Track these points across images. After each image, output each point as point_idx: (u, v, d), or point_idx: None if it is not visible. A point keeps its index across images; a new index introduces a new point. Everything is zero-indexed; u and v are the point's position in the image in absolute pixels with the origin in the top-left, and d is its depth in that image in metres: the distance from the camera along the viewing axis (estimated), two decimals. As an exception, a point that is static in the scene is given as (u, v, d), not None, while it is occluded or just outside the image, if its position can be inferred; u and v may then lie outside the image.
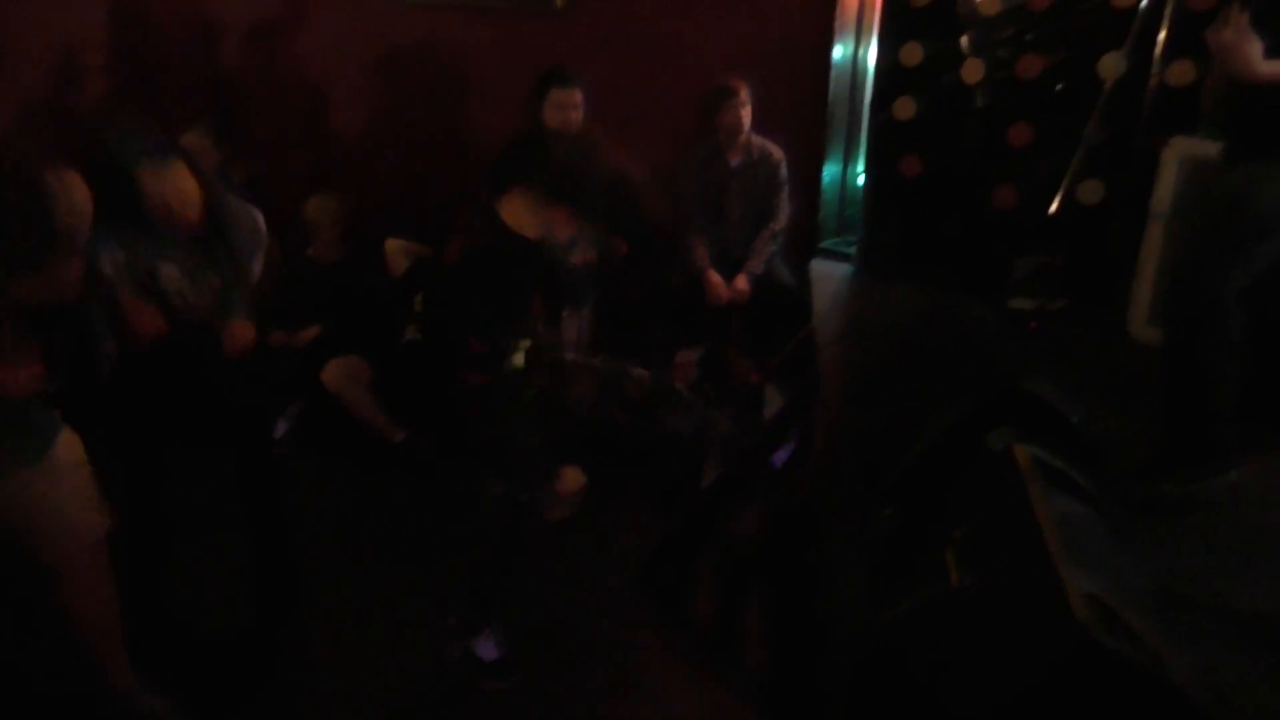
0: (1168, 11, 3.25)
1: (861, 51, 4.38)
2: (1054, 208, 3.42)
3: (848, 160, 4.52)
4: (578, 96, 3.70)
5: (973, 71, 3.90)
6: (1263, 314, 2.42)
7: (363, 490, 3.61)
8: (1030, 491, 1.92)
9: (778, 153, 4.06)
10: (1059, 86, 3.78)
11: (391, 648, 2.75)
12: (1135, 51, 3.30)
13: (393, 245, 3.92)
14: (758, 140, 4.04)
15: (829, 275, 4.21)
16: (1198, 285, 2.35)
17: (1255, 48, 2.11)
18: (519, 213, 2.41)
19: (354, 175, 4.71)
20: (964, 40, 3.94)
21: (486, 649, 2.62)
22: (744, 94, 3.88)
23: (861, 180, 4.43)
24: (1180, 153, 3.33)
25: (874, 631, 1.94)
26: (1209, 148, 3.13)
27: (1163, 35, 3.22)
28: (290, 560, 2.93)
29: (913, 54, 4.00)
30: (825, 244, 4.49)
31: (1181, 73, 3.45)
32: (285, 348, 3.90)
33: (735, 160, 4.02)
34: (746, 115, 3.91)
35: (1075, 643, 1.55)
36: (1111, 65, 3.42)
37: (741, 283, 3.96)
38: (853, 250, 4.37)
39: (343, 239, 4.19)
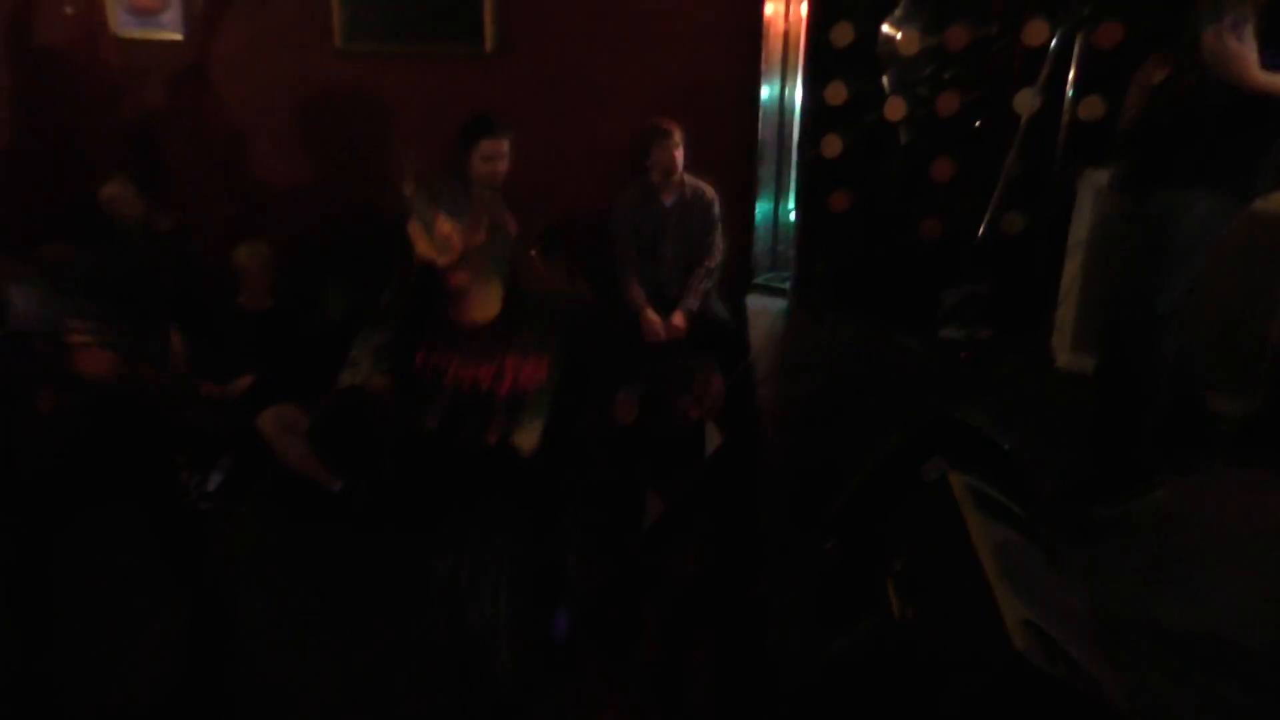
0: (1076, 50, 3.37)
1: (788, 91, 4.47)
2: (978, 239, 3.52)
3: (779, 197, 4.60)
4: (504, 146, 3.71)
5: (895, 109, 4.01)
6: (1186, 334, 2.50)
7: (300, 542, 3.52)
8: (966, 520, 1.95)
9: (710, 191, 4.11)
10: (977, 122, 3.90)
11: (337, 710, 2.67)
12: (1047, 88, 3.42)
13: (327, 291, 3.88)
14: (690, 180, 4.08)
15: (764, 310, 4.26)
16: (1128, 310, 2.41)
17: (1251, 55, 2.15)
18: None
19: (284, 222, 4.65)
20: (885, 79, 4.05)
21: None
22: (676, 135, 3.93)
23: (793, 216, 4.50)
24: (1094, 184, 3.45)
25: (819, 667, 1.94)
26: (1122, 175, 3.25)
27: (1072, 73, 3.33)
28: (222, 619, 2.84)
29: (837, 93, 4.10)
30: (759, 280, 4.55)
31: (1091, 107, 3.59)
32: (216, 399, 3.81)
33: (669, 200, 4.06)
34: (679, 156, 3.95)
35: (1013, 668, 1.57)
36: (1026, 101, 3.54)
37: (678, 320, 3.98)
38: (786, 285, 4.43)
39: (273, 286, 4.12)
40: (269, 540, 3.54)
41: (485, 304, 2.22)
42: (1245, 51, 2.13)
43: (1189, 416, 2.75)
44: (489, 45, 4.44)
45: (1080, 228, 3.48)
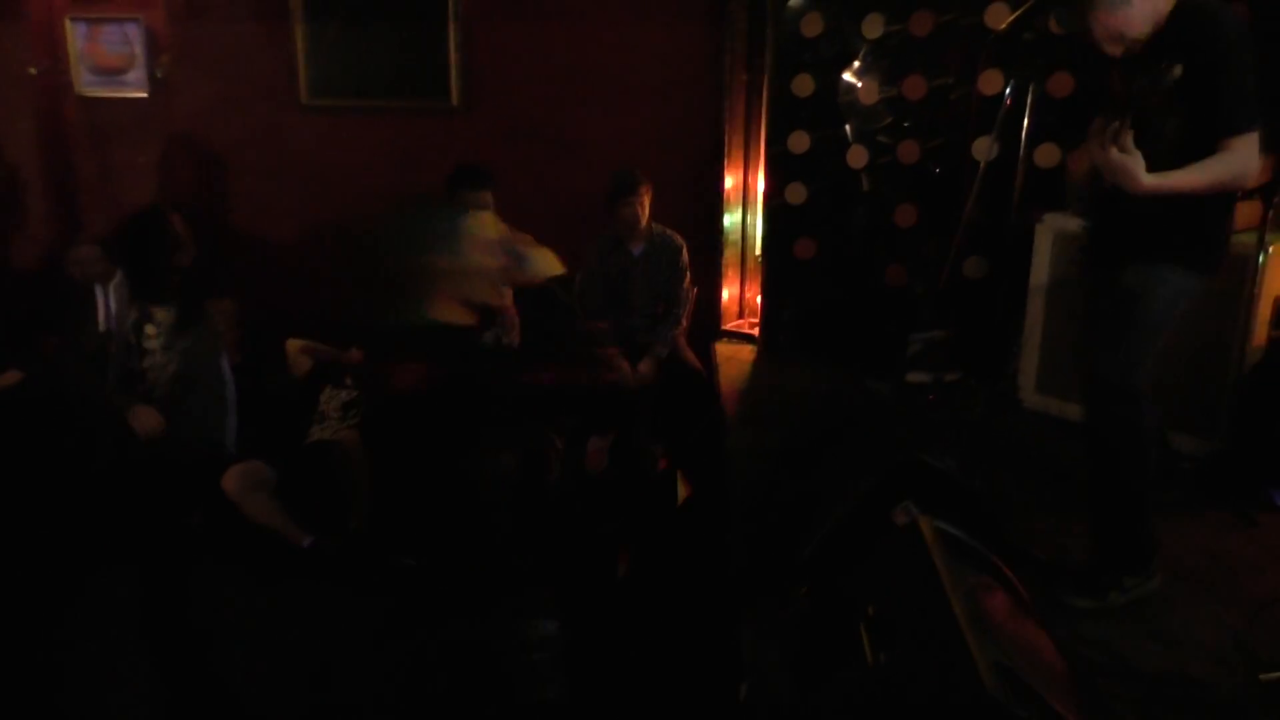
0: (1029, 99, 3.46)
1: (752, 138, 4.54)
2: (941, 284, 3.57)
3: (746, 244, 4.65)
4: (486, 196, 3.74)
5: (857, 158, 4.09)
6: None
7: (268, 600, 3.46)
8: (936, 564, 1.95)
9: (678, 239, 4.15)
10: (938, 169, 3.98)
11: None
12: (1004, 136, 3.50)
13: (293, 345, 3.85)
14: (658, 228, 4.12)
15: (733, 357, 4.28)
16: (1106, 379, 2.33)
17: (1140, 163, 2.14)
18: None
19: (251, 278, 4.64)
20: (847, 128, 4.12)
21: None
22: (641, 188, 3.97)
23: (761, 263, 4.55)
24: (1052, 228, 3.52)
25: (797, 718, 1.92)
26: (1076, 224, 3.32)
27: (1026, 121, 3.42)
28: (213, 683, 2.77)
29: (800, 142, 4.17)
30: (728, 326, 4.58)
31: (1047, 155, 3.68)
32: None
33: (637, 248, 4.09)
34: (645, 207, 4.00)
35: (986, 712, 1.57)
36: (984, 149, 3.62)
37: (646, 367, 3.99)
38: (755, 331, 4.46)
39: (240, 342, 4.09)
40: (236, 598, 3.47)
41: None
42: (1127, 162, 2.13)
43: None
44: (455, 100, 4.49)
45: (1040, 271, 3.54)
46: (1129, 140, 2.14)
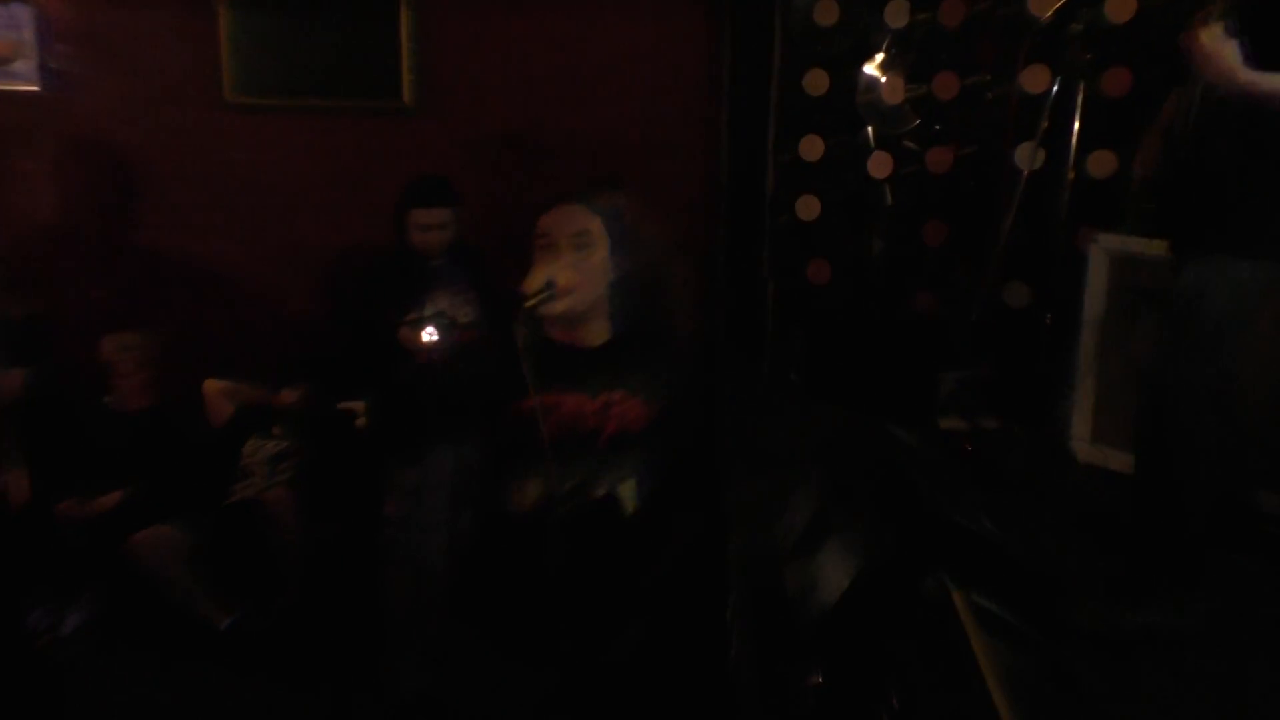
0: (1080, 99, 3.52)
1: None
2: (977, 314, 3.60)
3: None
4: (443, 215, 3.77)
5: (880, 166, 4.14)
6: (1229, 424, 2.54)
7: (174, 695, 3.44)
8: (972, 644, 1.96)
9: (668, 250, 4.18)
10: (973, 180, 4.03)
11: None
12: (1050, 141, 3.56)
13: (212, 387, 3.85)
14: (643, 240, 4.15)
15: (736, 395, 4.29)
16: (1159, 399, 2.44)
17: (1234, 54, 2.24)
18: None
19: (165, 307, 4.64)
20: (869, 132, 4.18)
21: None
22: (626, 194, 4.01)
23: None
24: (1108, 249, 3.56)
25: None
26: (1138, 244, 3.36)
27: (1076, 124, 3.47)
28: None
29: (814, 148, 4.22)
30: (731, 355, 4.60)
31: (1101, 163, 3.73)
32: (77, 519, 3.74)
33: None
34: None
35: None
36: (1026, 156, 3.67)
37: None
38: (760, 367, 4.49)
39: (150, 383, 4.08)
40: (139, 694, 3.44)
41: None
42: (1224, 50, 2.23)
43: (1235, 517, 2.80)
44: (407, 98, 4.53)
45: (1094, 300, 3.58)
46: (1220, 29, 2.22)
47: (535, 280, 2.23)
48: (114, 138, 4.68)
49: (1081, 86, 3.56)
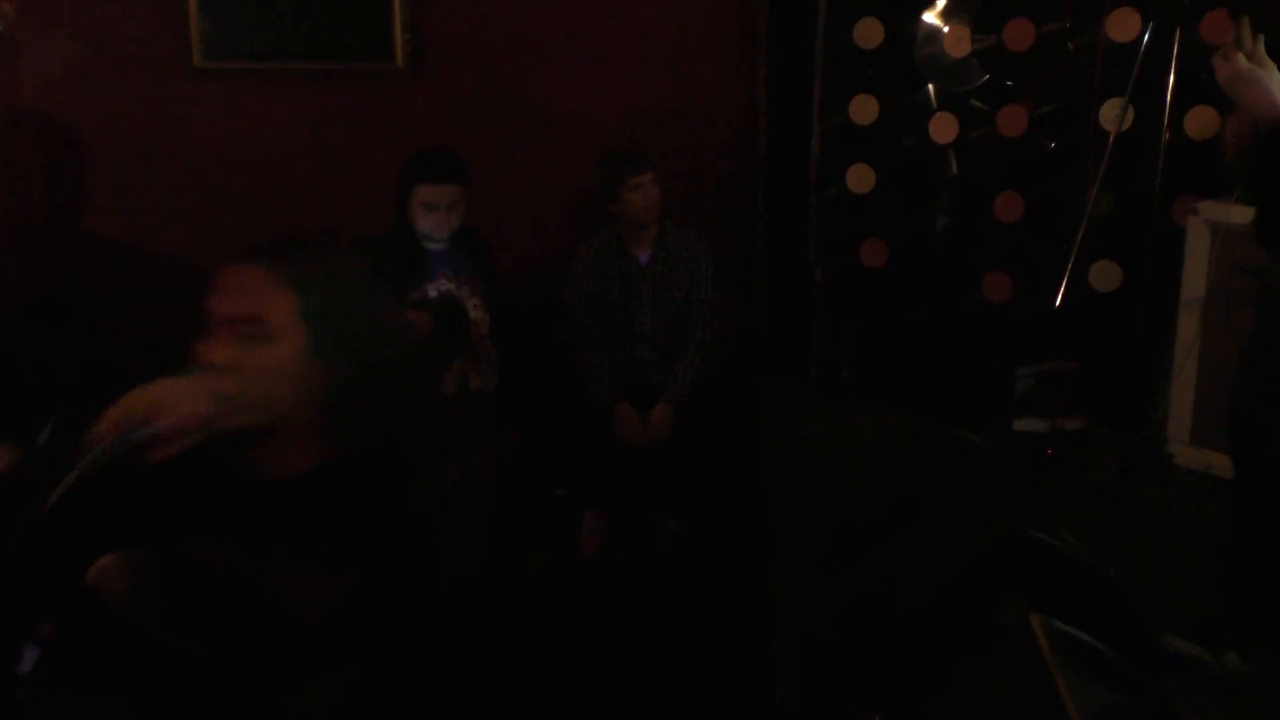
0: (1175, 48, 3.49)
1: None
2: (1059, 299, 3.58)
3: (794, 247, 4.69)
4: (453, 193, 3.79)
5: (944, 130, 4.12)
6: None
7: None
8: (1055, 680, 1.95)
9: (702, 243, 4.18)
10: (1052, 144, 4.01)
11: None
12: (1141, 98, 3.53)
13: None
14: (674, 228, 4.16)
15: (779, 399, 4.29)
16: (1263, 405, 2.40)
17: (1274, 76, 2.24)
18: None
19: (130, 298, 4.68)
20: (930, 91, 4.17)
21: None
22: (650, 171, 4.01)
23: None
24: (1210, 221, 3.54)
25: None
26: (1246, 215, 3.34)
27: (1172, 78, 3.45)
28: None
29: (866, 109, 4.21)
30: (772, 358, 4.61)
31: (1201, 122, 3.70)
32: (30, 537, 3.79)
33: (644, 255, 4.12)
34: (656, 196, 4.03)
35: None
36: (1114, 115, 3.65)
37: (660, 415, 4.01)
38: (808, 364, 4.49)
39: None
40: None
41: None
42: (1256, 74, 2.20)
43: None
44: (401, 60, 4.55)
45: (1194, 281, 3.56)
46: (1259, 45, 2.20)
47: (132, 402, 1.66)
48: (67, 109, 4.72)
49: (1178, 33, 3.53)
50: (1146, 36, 3.47)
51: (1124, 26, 3.78)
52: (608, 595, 4.03)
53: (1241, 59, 2.25)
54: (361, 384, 1.76)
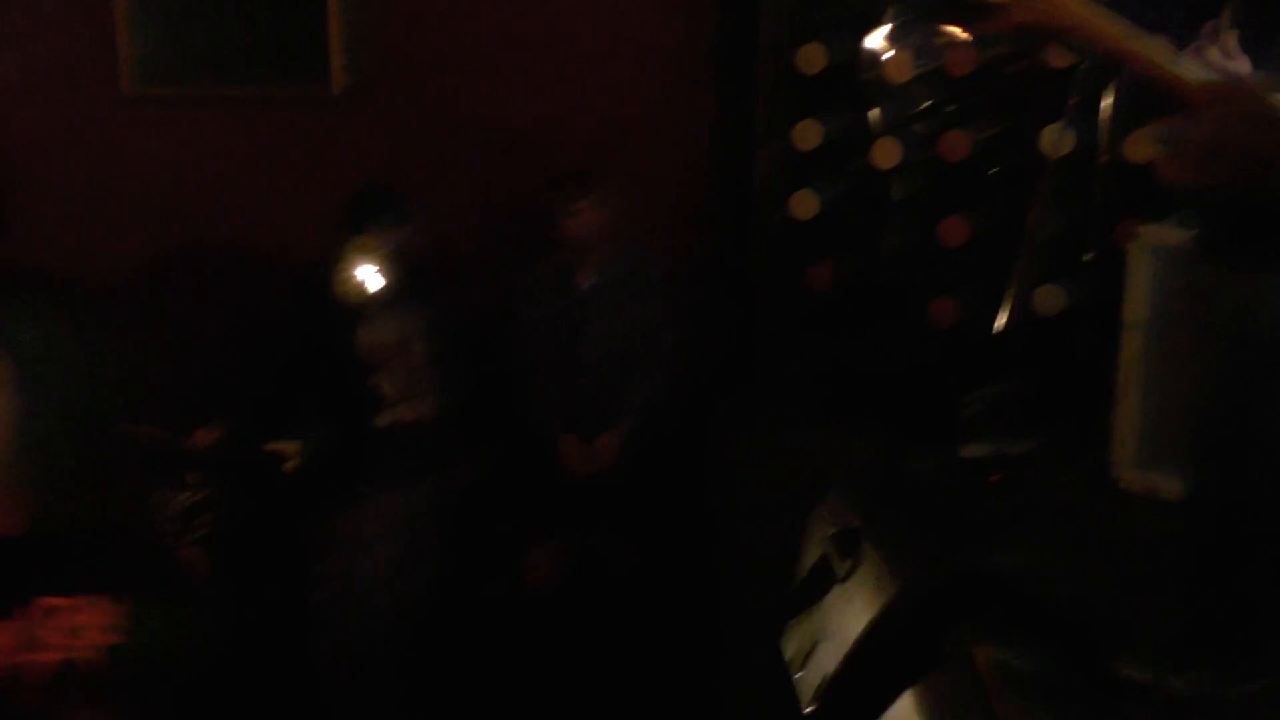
0: (1116, 73, 3.54)
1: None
2: (1001, 322, 3.61)
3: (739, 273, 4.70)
4: (393, 238, 3.78)
5: (887, 154, 4.15)
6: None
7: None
8: (997, 711, 1.97)
9: (649, 267, 4.19)
10: (995, 168, 4.05)
11: None
12: (1082, 121, 3.57)
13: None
14: (621, 252, 4.16)
15: (730, 426, 4.30)
16: (1214, 426, 2.44)
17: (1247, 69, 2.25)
18: None
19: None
20: (873, 115, 4.20)
21: None
22: (594, 195, 4.02)
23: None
24: (1152, 244, 3.58)
25: None
26: (1188, 237, 3.38)
27: (1111, 100, 3.49)
28: None
29: (809, 135, 4.24)
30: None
31: (1141, 145, 3.75)
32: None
33: (588, 280, 4.13)
34: (598, 221, 4.04)
35: None
36: (1054, 139, 3.70)
37: (607, 445, 4.01)
38: (759, 390, 4.48)
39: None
40: None
41: None
42: (1237, 66, 2.25)
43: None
44: (337, 85, 4.53)
45: (1137, 302, 3.59)
46: (1233, 39, 2.24)
47: None
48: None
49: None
50: (1084, 63, 3.51)
51: (1063, 51, 3.83)
52: (557, 627, 4.01)
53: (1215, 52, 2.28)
54: (64, 440, 1.69)
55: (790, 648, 2.82)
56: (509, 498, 4.21)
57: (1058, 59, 3.81)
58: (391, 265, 3.83)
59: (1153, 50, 1.91)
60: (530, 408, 4.08)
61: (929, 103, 4.12)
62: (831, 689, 2.31)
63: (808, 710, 2.34)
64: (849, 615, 2.56)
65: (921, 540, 2.76)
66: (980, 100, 4.05)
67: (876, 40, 4.16)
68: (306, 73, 4.55)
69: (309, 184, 4.43)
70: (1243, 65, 2.30)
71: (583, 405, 4.11)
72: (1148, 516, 3.46)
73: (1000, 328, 3.65)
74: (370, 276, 3.79)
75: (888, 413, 4.05)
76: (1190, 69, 1.81)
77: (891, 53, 4.13)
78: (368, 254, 3.80)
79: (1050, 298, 3.93)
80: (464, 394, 4.01)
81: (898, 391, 4.10)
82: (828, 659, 2.53)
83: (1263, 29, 2.37)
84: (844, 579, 2.75)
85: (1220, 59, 2.32)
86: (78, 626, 1.66)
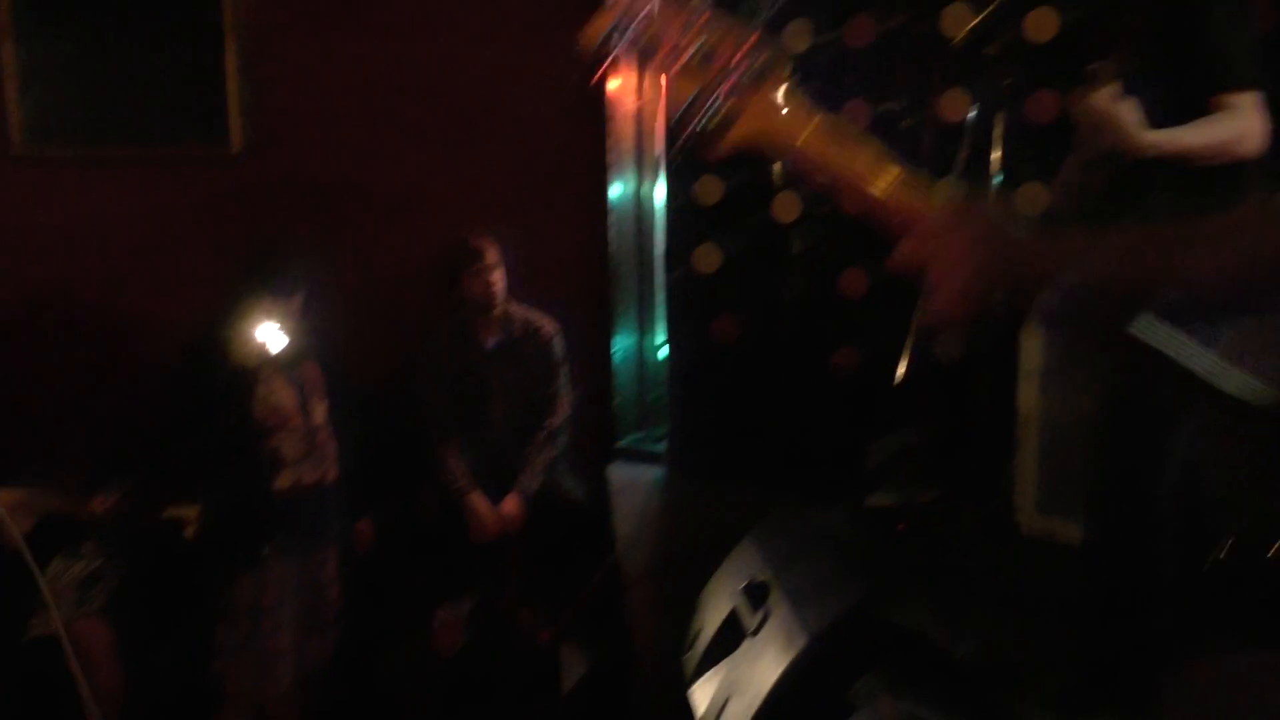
0: (1001, 127, 3.65)
1: (646, 189, 4.67)
2: (903, 372, 3.68)
3: (643, 329, 4.73)
4: (290, 306, 3.76)
5: (787, 208, 4.22)
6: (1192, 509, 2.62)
7: None
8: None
9: (549, 325, 4.21)
10: (892, 220, 4.13)
11: None
12: (972, 175, 3.67)
13: (3, 498, 3.75)
14: (521, 311, 4.18)
15: (632, 483, 4.32)
16: (1105, 472, 2.51)
17: (1132, 113, 2.39)
18: None
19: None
20: (773, 169, 4.27)
21: None
22: (492, 255, 4.04)
23: (663, 353, 4.63)
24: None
25: None
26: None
27: (997, 154, 3.60)
28: None
29: (710, 190, 4.30)
30: (624, 442, 4.63)
31: (1030, 198, 3.87)
32: None
33: (491, 340, 4.13)
34: (499, 281, 4.06)
35: None
36: (945, 193, 3.79)
37: (513, 505, 4.00)
38: (660, 447, 4.51)
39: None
40: None
41: None
42: (1121, 112, 2.38)
43: (1203, 583, 2.88)
44: (236, 144, 4.50)
45: (1032, 350, 3.69)
46: (1114, 89, 2.35)
47: None
48: None
49: (1003, 113, 3.68)
50: (969, 118, 3.61)
51: (953, 106, 3.93)
52: (464, 693, 3.98)
53: (1099, 98, 2.38)
54: None
55: (702, 703, 2.82)
56: (415, 559, 4.17)
57: (950, 114, 3.92)
58: (290, 325, 3.80)
59: (884, 176, 1.54)
60: (437, 468, 4.06)
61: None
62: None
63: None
64: (760, 668, 2.57)
65: (831, 592, 2.78)
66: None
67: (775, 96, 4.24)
68: (203, 131, 4.52)
69: (206, 244, 4.39)
70: (1129, 111, 2.42)
71: (489, 464, 4.11)
72: (1049, 563, 3.54)
73: (901, 377, 3.73)
74: (269, 336, 3.76)
75: (795, 463, 4.10)
76: (930, 195, 1.48)
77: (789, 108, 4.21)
78: (266, 314, 3.76)
79: (950, 347, 4.02)
80: (367, 454, 3.98)
81: (803, 441, 4.15)
82: (739, 713, 2.54)
83: (1145, 78, 2.49)
84: (754, 632, 2.77)
85: (1104, 106, 2.43)
86: None
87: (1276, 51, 2.57)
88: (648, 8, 1.42)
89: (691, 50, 1.43)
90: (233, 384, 3.79)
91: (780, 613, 2.75)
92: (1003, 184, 3.58)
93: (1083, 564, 2.75)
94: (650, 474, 4.40)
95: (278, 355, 3.79)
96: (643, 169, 4.68)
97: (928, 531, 3.69)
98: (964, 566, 3.47)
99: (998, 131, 3.55)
